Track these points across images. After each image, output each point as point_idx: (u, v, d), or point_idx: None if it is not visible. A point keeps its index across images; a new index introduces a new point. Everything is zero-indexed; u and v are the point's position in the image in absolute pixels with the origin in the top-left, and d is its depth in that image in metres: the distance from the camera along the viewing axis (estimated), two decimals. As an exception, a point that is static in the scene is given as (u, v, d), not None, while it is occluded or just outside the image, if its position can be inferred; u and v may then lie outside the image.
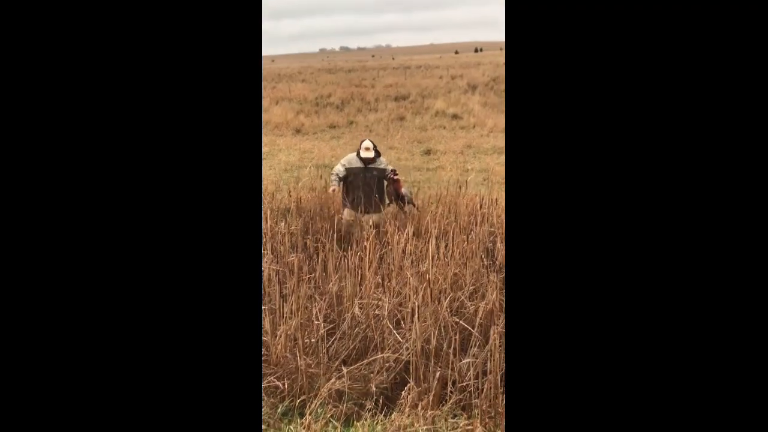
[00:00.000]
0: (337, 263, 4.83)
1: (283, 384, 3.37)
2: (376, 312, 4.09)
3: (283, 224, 5.61)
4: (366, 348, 3.88)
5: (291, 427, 2.82)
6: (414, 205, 6.21)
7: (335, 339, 3.92)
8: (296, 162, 10.95)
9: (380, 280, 4.55)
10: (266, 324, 3.75)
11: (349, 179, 5.96)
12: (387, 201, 6.06)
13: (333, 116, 17.21)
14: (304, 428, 2.83)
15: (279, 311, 4.01)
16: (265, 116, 17.06)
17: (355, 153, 6.06)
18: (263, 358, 3.61)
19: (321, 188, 7.11)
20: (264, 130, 15.34)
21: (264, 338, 3.73)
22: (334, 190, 5.98)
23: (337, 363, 3.65)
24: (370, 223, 5.42)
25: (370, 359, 3.65)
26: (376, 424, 2.89)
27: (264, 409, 3.16)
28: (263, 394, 3.29)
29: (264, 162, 11.23)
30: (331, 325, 4.05)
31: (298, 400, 3.25)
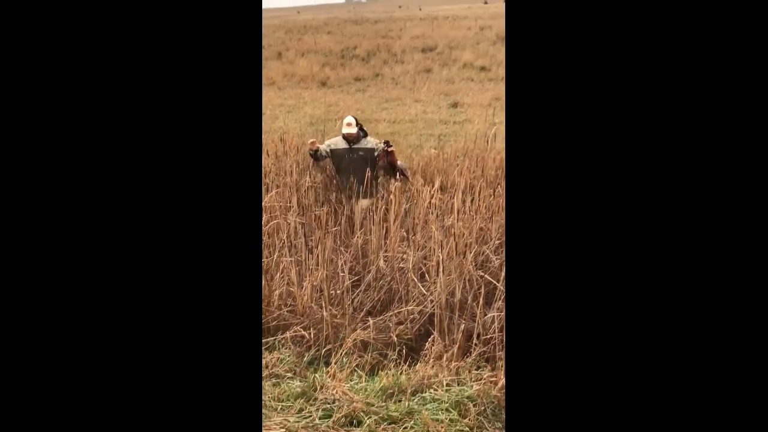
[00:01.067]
0: (362, 217, 4.85)
1: (309, 334, 3.43)
2: (401, 265, 4.11)
3: (308, 178, 5.62)
4: (391, 300, 3.91)
5: (317, 375, 2.88)
6: (407, 178, 5.58)
7: (360, 291, 3.96)
8: (321, 115, 10.88)
9: (405, 234, 4.55)
10: (293, 275, 3.80)
11: (335, 162, 5.47)
12: (379, 177, 5.43)
13: (359, 68, 16.96)
14: (329, 377, 2.89)
15: (305, 263, 4.05)
16: (290, 69, 16.91)
17: (341, 135, 5.47)
18: (290, 309, 3.67)
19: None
20: (290, 83, 15.22)
21: (291, 289, 3.79)
22: (313, 143, 5.40)
23: (362, 314, 3.69)
24: (362, 208, 5.05)
25: (395, 311, 3.68)
26: (400, 374, 2.94)
27: (290, 358, 3.23)
28: (290, 343, 3.35)
29: (289, 115, 11.19)
30: (356, 278, 4.09)
31: (324, 350, 3.31)
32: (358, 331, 3.41)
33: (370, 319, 3.56)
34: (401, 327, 3.55)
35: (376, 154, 5.31)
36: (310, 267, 3.98)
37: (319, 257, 3.99)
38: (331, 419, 2.47)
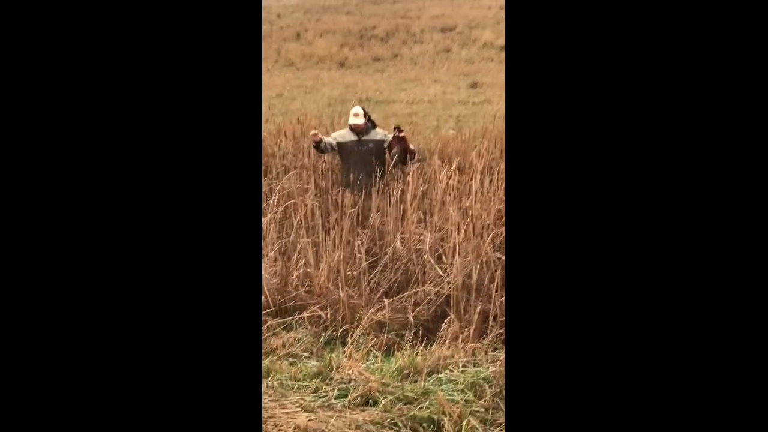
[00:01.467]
0: (379, 198, 4.85)
1: (326, 314, 3.45)
2: (418, 246, 4.10)
3: (325, 158, 5.61)
4: (407, 281, 3.92)
5: (333, 355, 2.90)
6: (425, 159, 5.30)
7: (377, 272, 3.97)
8: (339, 96, 10.84)
9: (422, 215, 4.54)
10: (310, 256, 3.82)
11: (342, 156, 5.09)
12: (390, 166, 5.04)
13: (377, 49, 16.82)
14: (345, 356, 2.91)
15: (322, 244, 4.07)
16: (308, 49, 16.85)
17: (348, 127, 5.11)
18: (307, 289, 3.69)
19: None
20: (308, 64, 15.17)
21: (308, 270, 3.81)
22: (316, 134, 4.92)
23: (378, 295, 3.70)
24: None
25: (411, 292, 3.69)
26: (416, 354, 2.95)
27: (307, 338, 3.26)
28: (307, 323, 3.38)
29: (307, 96, 11.17)
30: (373, 259, 4.10)
31: (341, 330, 3.33)
32: (374, 311, 3.42)
33: (386, 300, 3.57)
34: (418, 308, 3.56)
35: (386, 145, 5.00)
36: (327, 247, 3.99)
37: (336, 238, 4.00)
38: (347, 399, 2.49)
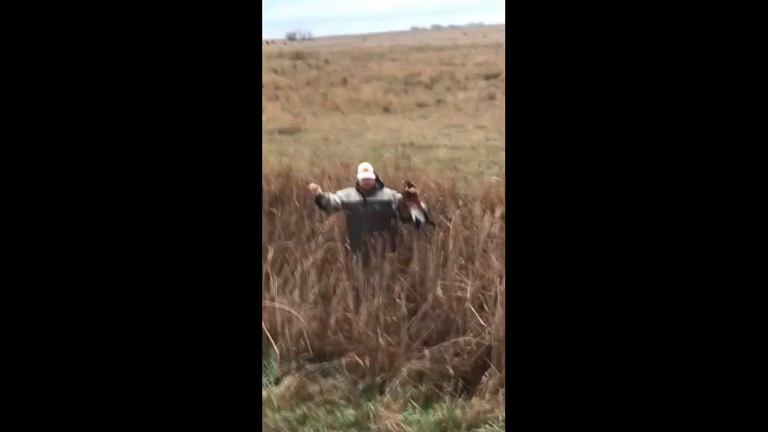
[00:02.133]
0: (421, 244, 4.82)
1: (364, 361, 3.41)
2: (459, 294, 4.04)
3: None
4: (447, 330, 3.85)
5: (371, 404, 2.85)
6: (433, 225, 4.82)
7: (416, 319, 3.92)
8: (383, 140, 10.98)
9: (463, 263, 4.49)
10: (350, 301, 3.81)
11: (347, 217, 4.77)
12: (399, 223, 4.72)
13: (422, 95, 17.07)
14: (383, 406, 2.85)
15: (362, 289, 4.06)
16: (354, 95, 17.21)
17: (354, 186, 4.76)
18: (346, 335, 3.67)
19: (405, 167, 7.10)
20: (353, 109, 15.47)
21: (347, 315, 3.80)
22: (315, 189, 4.51)
23: (417, 343, 3.65)
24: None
25: (451, 341, 3.62)
26: (455, 407, 2.87)
27: (344, 385, 3.22)
28: (345, 370, 3.35)
29: (351, 140, 11.35)
30: (412, 305, 4.06)
31: (378, 377, 3.28)
32: (414, 360, 3.36)
33: (425, 348, 3.51)
34: (457, 359, 3.48)
35: (394, 207, 4.62)
36: (367, 293, 3.98)
37: (376, 284, 3.99)
38: (383, 451, 2.44)
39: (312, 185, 4.59)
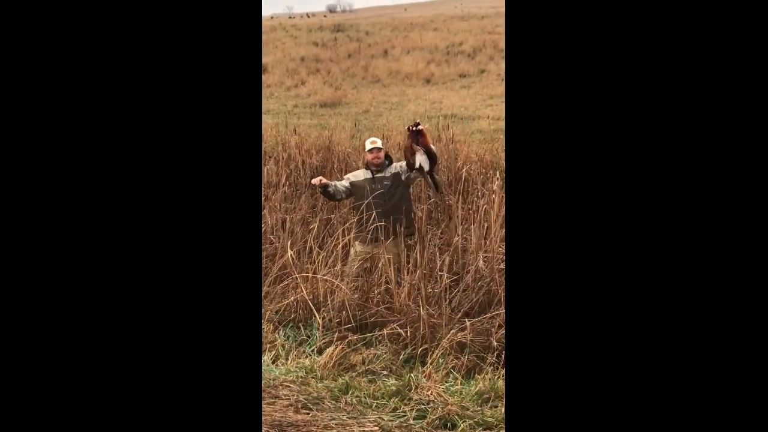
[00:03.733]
0: (463, 215, 4.78)
1: (406, 332, 3.43)
2: (501, 266, 4.01)
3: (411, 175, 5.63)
4: (489, 302, 3.83)
5: (412, 375, 2.87)
6: (437, 187, 4.65)
7: (458, 291, 3.91)
8: (424, 112, 10.88)
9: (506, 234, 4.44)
10: (391, 273, 3.82)
11: (356, 198, 4.47)
12: (408, 169, 4.36)
13: (464, 65, 16.80)
14: (425, 377, 2.87)
15: (403, 261, 4.07)
16: (395, 65, 17.07)
17: (364, 165, 4.57)
18: (387, 306, 3.69)
19: (447, 139, 7.03)
20: (394, 80, 15.36)
21: (389, 286, 3.82)
22: (321, 180, 4.34)
23: (459, 315, 3.64)
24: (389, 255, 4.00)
25: (493, 313, 3.60)
26: (497, 378, 2.86)
27: (386, 355, 3.24)
28: (387, 341, 3.37)
29: (393, 112, 11.28)
30: (454, 277, 4.04)
31: (420, 349, 3.30)
32: (455, 331, 3.36)
33: (467, 320, 3.50)
34: (501, 331, 3.46)
35: (403, 177, 4.38)
36: (408, 265, 3.98)
37: (418, 256, 3.99)
38: (425, 420, 2.45)
39: (315, 180, 4.41)
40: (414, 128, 4.30)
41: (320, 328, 3.42)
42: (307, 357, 3.18)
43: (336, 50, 20.76)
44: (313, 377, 2.85)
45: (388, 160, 4.53)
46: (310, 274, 3.75)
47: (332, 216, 5.07)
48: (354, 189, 4.46)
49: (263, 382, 2.74)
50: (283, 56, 19.45)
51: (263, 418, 2.39)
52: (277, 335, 3.43)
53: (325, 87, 14.35)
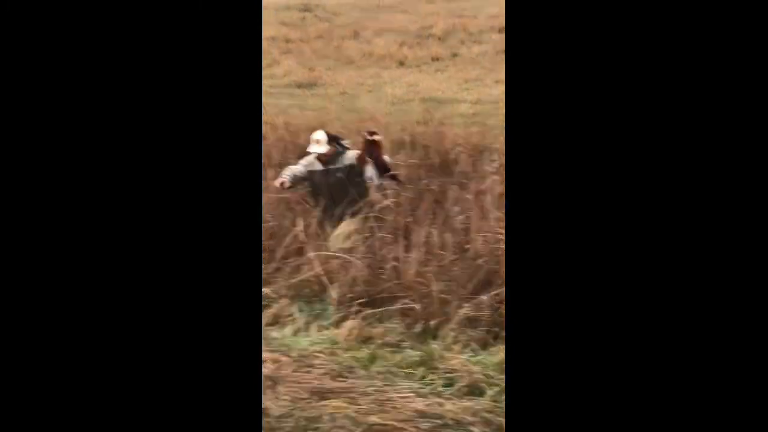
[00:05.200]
0: (457, 197, 4.93)
1: (416, 306, 3.56)
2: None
3: (400, 157, 5.75)
4: (490, 281, 3.99)
5: (435, 345, 3.02)
6: (398, 181, 4.57)
7: (460, 270, 4.06)
8: (402, 95, 10.96)
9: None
10: (400, 251, 3.95)
11: (311, 188, 4.51)
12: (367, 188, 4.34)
13: (435, 48, 16.85)
14: (444, 349, 3.02)
15: (408, 242, 4.20)
16: (367, 47, 17.01)
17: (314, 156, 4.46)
18: (395, 282, 3.83)
19: (431, 123, 7.15)
20: (368, 62, 15.33)
21: (395, 264, 3.95)
22: (282, 183, 4.33)
23: (465, 292, 3.80)
24: (348, 233, 4.12)
25: (497, 291, 3.76)
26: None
27: (399, 328, 3.38)
28: (398, 316, 3.50)
29: (371, 94, 11.34)
30: (455, 257, 4.20)
31: (433, 323, 3.44)
32: (465, 307, 3.52)
33: (475, 297, 3.66)
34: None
35: (356, 161, 4.32)
36: (412, 242, 4.12)
37: (421, 234, 4.13)
38: (454, 388, 2.61)
39: (278, 181, 4.34)
40: (369, 137, 4.08)
41: (335, 302, 3.53)
42: (326, 329, 3.29)
43: (306, 30, 20.48)
44: (338, 348, 2.96)
45: (341, 147, 4.35)
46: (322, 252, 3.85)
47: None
48: (309, 176, 4.37)
49: (294, 352, 2.86)
50: (253, 35, 19.12)
51: (301, 386, 2.51)
52: (293, 309, 3.53)
53: (299, 67, 14.23)
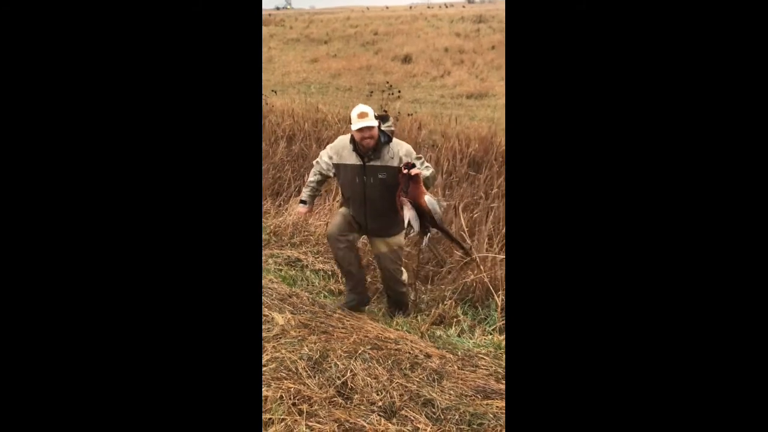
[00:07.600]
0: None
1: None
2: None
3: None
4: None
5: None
6: (453, 240, 3.68)
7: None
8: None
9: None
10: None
11: (340, 181, 3.36)
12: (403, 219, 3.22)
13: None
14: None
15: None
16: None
17: (348, 137, 3.24)
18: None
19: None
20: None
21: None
22: (299, 213, 3.74)
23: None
24: (382, 250, 3.38)
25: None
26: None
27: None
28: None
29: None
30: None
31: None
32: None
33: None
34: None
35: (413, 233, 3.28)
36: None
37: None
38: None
39: (300, 211, 3.65)
40: (406, 170, 3.05)
41: (499, 309, 3.60)
42: (490, 334, 3.37)
43: (479, 41, 20.68)
44: (501, 352, 3.02)
45: (386, 136, 3.17)
46: (490, 255, 3.94)
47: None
48: (339, 172, 3.28)
49: (459, 352, 2.97)
50: (426, 46, 19.70)
51: (466, 383, 2.61)
52: (458, 311, 3.66)
53: (470, 78, 14.41)
